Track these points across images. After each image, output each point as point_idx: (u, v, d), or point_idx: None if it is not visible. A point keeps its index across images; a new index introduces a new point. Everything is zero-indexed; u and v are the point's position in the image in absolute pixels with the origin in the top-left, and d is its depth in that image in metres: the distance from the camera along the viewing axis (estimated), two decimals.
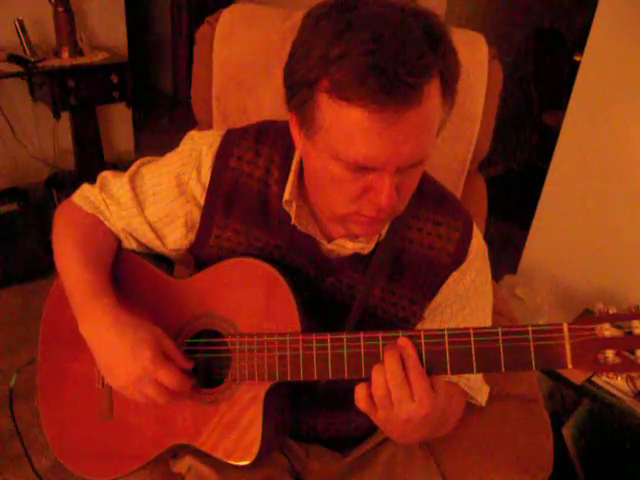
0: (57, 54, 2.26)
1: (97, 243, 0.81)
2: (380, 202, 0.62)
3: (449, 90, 0.61)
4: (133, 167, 0.85)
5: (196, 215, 0.80)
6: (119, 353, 0.69)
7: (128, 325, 0.71)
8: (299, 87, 0.60)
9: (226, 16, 1.13)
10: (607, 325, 0.59)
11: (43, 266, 2.10)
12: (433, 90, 0.58)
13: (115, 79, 2.32)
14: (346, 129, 0.58)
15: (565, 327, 0.60)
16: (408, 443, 0.72)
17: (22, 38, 2.15)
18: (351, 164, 0.60)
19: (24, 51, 2.16)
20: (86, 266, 0.76)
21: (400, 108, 0.56)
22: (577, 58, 1.93)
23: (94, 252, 0.79)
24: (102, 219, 0.83)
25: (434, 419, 0.64)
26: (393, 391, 0.61)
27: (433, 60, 0.57)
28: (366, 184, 0.62)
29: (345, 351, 0.67)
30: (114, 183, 0.84)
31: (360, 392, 0.63)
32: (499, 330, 0.62)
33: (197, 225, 0.80)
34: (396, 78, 0.54)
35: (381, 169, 0.60)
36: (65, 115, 2.41)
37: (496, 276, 0.87)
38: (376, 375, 0.62)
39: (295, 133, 0.68)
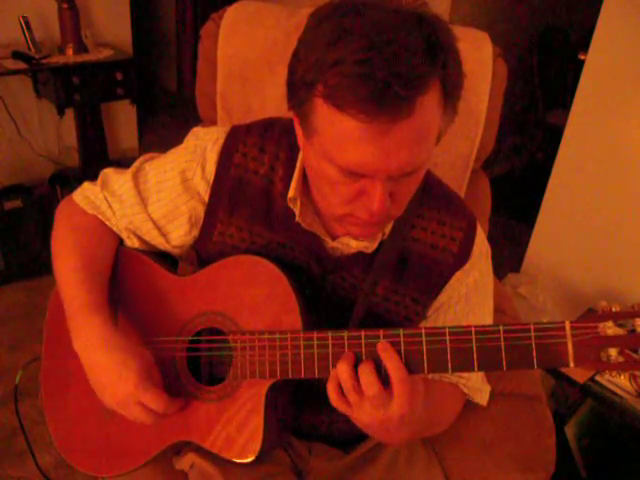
0: (62, 51, 2.26)
1: (96, 250, 0.81)
2: (372, 207, 0.62)
3: (450, 99, 0.60)
4: (136, 164, 0.84)
5: (200, 211, 0.80)
6: (107, 374, 0.70)
7: (117, 347, 0.71)
8: (298, 87, 0.60)
9: (231, 13, 1.13)
10: (610, 323, 0.58)
11: (47, 263, 2.09)
12: (429, 101, 0.57)
13: (119, 76, 2.32)
14: (338, 135, 0.58)
15: (567, 325, 0.60)
16: (394, 443, 0.73)
17: (27, 35, 2.15)
18: (343, 169, 0.61)
19: (29, 48, 2.16)
20: (82, 279, 0.76)
21: (391, 119, 0.55)
22: (581, 57, 1.93)
23: (92, 261, 0.79)
24: (103, 219, 0.83)
25: (416, 418, 0.65)
26: (369, 400, 0.62)
27: (430, 70, 0.56)
28: (360, 188, 0.62)
29: (347, 349, 0.66)
30: (116, 180, 0.84)
31: (332, 393, 0.65)
32: (500, 328, 0.62)
33: (201, 221, 0.80)
34: (387, 89, 0.53)
35: (372, 176, 0.60)
36: (69, 112, 2.41)
37: (499, 274, 0.87)
38: (343, 375, 0.64)
39: (298, 130, 0.68)
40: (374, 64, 0.53)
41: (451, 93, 0.59)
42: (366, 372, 0.63)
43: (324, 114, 0.58)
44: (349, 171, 0.60)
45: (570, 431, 1.43)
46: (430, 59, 0.55)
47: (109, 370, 0.70)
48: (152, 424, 0.72)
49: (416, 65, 0.54)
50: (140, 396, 0.69)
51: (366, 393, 0.62)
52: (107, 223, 0.83)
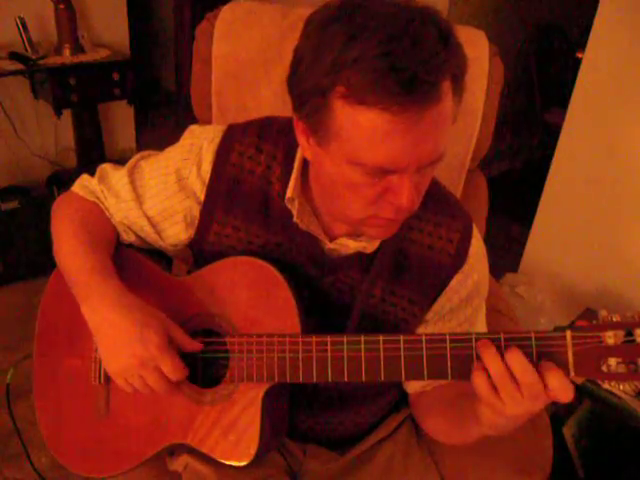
0: (58, 52, 2.25)
1: (99, 229, 0.80)
2: (401, 203, 0.61)
3: (459, 85, 0.60)
4: (132, 160, 0.84)
5: (196, 211, 0.79)
6: (125, 335, 0.68)
7: (136, 308, 0.70)
8: (310, 95, 0.59)
9: (225, 13, 1.12)
10: (611, 333, 0.58)
11: (45, 264, 2.09)
12: (448, 86, 0.58)
13: (116, 77, 2.31)
14: (366, 134, 0.57)
15: (568, 334, 0.59)
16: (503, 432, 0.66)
17: (23, 36, 2.14)
18: (372, 169, 0.59)
19: (25, 49, 2.15)
20: (90, 249, 0.75)
21: (421, 108, 0.55)
22: (579, 55, 1.92)
23: (96, 237, 0.79)
24: (102, 208, 0.82)
25: None
26: (527, 389, 0.58)
27: (447, 57, 0.56)
28: (385, 186, 0.62)
29: (345, 354, 0.66)
30: (113, 175, 0.83)
31: (482, 386, 0.60)
32: (502, 336, 0.61)
33: (197, 221, 0.80)
34: (415, 77, 0.53)
35: (402, 170, 0.60)
36: (67, 113, 2.40)
37: (497, 275, 0.87)
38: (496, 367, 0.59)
39: (303, 140, 0.66)
40: (397, 55, 0.53)
41: (459, 78, 0.60)
42: (516, 358, 0.59)
43: (346, 115, 0.57)
44: (379, 169, 0.59)
45: (568, 432, 1.42)
46: (444, 45, 0.56)
47: (128, 331, 0.68)
48: (162, 392, 0.69)
49: (437, 52, 0.55)
50: (161, 358, 0.67)
51: (521, 382, 0.58)
52: (106, 213, 0.83)
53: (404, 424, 0.93)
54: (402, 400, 0.94)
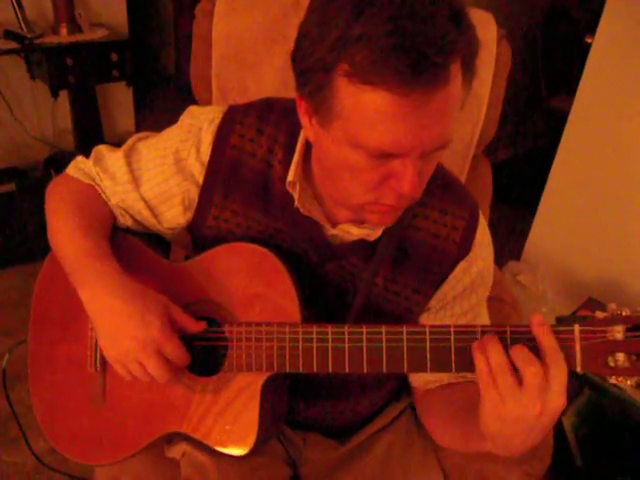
0: (55, 31, 2.21)
1: (95, 212, 0.79)
2: (403, 189, 0.59)
3: (469, 68, 0.57)
4: (129, 142, 0.82)
5: (194, 194, 0.77)
6: (126, 320, 0.66)
7: (135, 291, 0.68)
8: (313, 72, 0.57)
9: None
10: (619, 327, 0.56)
11: (42, 247, 2.07)
12: (457, 69, 0.55)
13: (115, 57, 2.27)
14: (369, 115, 0.55)
15: (576, 329, 0.58)
16: (516, 453, 0.61)
17: (18, 14, 2.10)
18: (374, 151, 0.57)
19: (20, 27, 2.11)
20: (87, 233, 0.74)
21: (428, 90, 0.53)
22: (588, 40, 1.88)
23: (93, 220, 0.77)
24: (98, 191, 0.81)
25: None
26: (528, 380, 0.55)
27: (458, 37, 0.53)
28: (387, 171, 0.59)
29: (347, 344, 0.65)
30: (109, 157, 0.81)
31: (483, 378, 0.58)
32: (508, 329, 0.60)
33: (195, 204, 0.78)
34: (424, 58, 0.51)
35: (405, 155, 0.57)
36: (64, 94, 2.37)
37: (500, 262, 0.85)
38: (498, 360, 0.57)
39: (305, 120, 0.64)
40: (406, 34, 0.51)
41: (470, 61, 0.57)
42: (520, 352, 0.56)
43: (349, 95, 0.55)
44: (381, 152, 0.57)
45: (567, 421, 1.42)
46: (456, 26, 0.53)
47: (129, 315, 0.66)
48: (163, 380, 0.68)
49: (447, 32, 0.52)
50: (163, 342, 0.66)
51: (523, 372, 0.55)
52: (102, 196, 0.81)
53: (404, 413, 0.93)
54: (403, 389, 0.93)
